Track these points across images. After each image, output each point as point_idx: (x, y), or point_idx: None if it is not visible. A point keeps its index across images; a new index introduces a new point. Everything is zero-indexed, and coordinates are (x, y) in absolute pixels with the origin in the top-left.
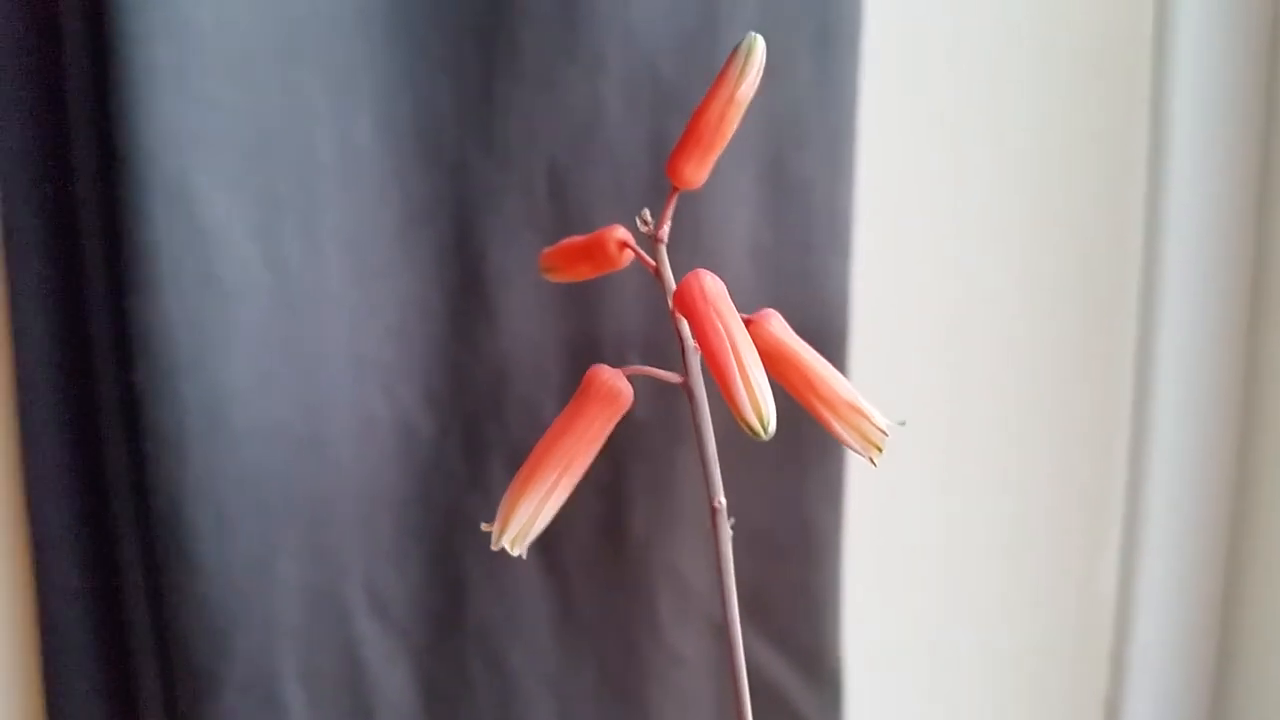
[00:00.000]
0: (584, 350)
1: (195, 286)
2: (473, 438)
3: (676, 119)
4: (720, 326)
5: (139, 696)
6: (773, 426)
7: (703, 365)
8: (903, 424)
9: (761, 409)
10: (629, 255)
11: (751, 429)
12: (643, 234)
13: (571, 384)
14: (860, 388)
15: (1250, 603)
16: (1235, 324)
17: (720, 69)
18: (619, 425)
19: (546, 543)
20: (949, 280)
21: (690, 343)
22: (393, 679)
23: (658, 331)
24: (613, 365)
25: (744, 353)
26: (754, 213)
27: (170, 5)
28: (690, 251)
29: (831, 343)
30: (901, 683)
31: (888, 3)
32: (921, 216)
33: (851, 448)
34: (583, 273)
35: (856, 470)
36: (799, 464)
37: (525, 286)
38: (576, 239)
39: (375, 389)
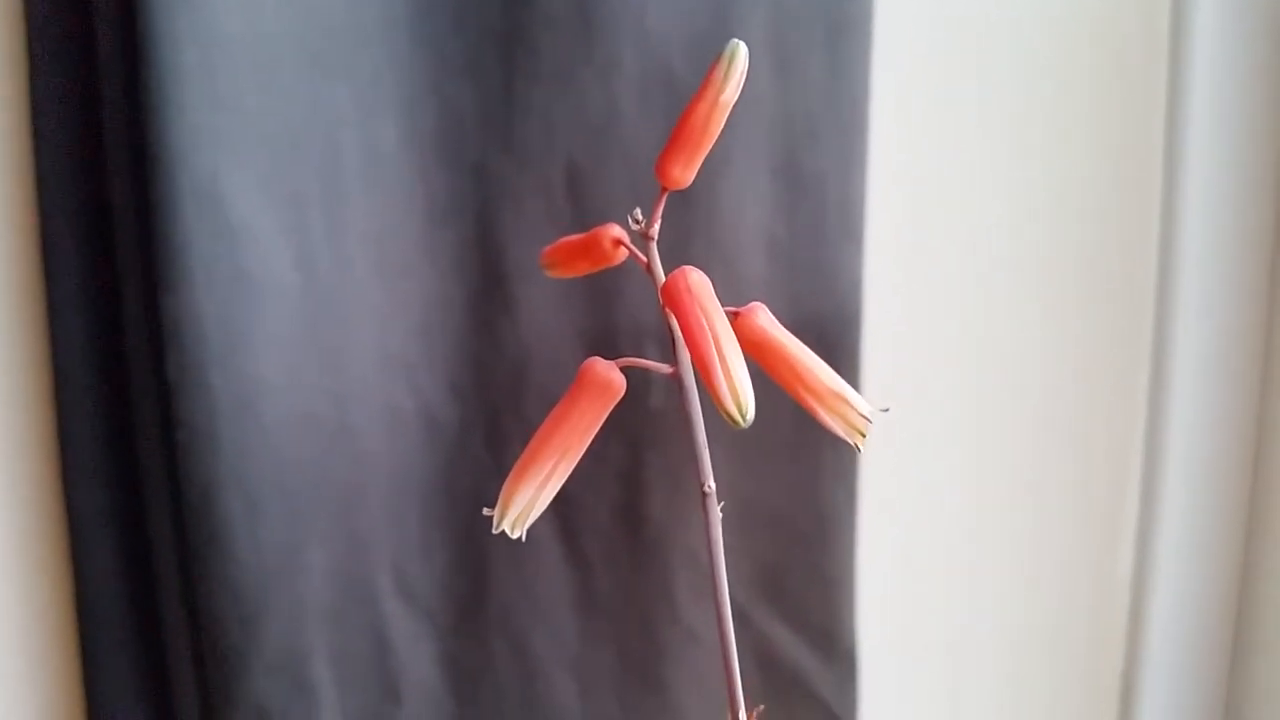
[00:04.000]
0: (600, 342)
1: (226, 283)
2: (494, 428)
3: None
4: (703, 320)
5: (173, 676)
6: (751, 414)
7: None
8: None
9: (740, 398)
10: (623, 252)
11: (731, 417)
12: (635, 232)
13: None
14: (873, 375)
15: (1266, 581)
16: (1254, 297)
17: (705, 75)
18: (637, 414)
19: (567, 528)
20: (961, 268)
21: (680, 335)
22: (418, 660)
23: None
24: (629, 355)
25: (725, 345)
26: (768, 206)
27: (199, 11)
28: (706, 245)
29: (845, 332)
30: (918, 663)
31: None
32: (933, 207)
33: (837, 434)
34: (581, 268)
35: (872, 456)
36: (813, 450)
37: (544, 282)
38: (574, 237)
39: (400, 382)
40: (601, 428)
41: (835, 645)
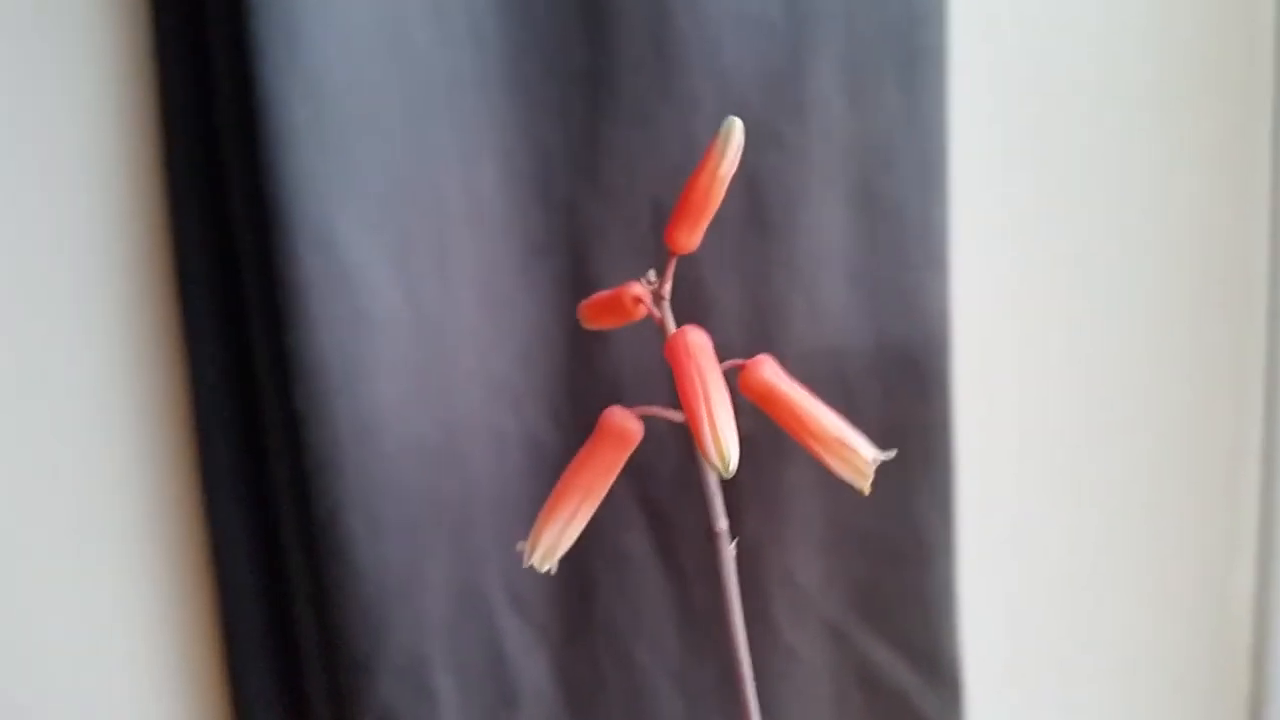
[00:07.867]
0: None
1: (343, 320)
2: None
3: (767, 153)
4: (696, 377)
5: (307, 683)
6: (734, 465)
7: None
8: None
9: (723, 448)
10: (643, 309)
11: (714, 466)
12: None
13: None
14: (967, 400)
15: None
16: None
17: (704, 151)
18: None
19: (666, 547)
20: (1054, 289)
21: None
22: (533, 670)
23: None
24: None
25: (714, 400)
26: (848, 236)
27: (307, 70)
28: (787, 279)
29: (934, 357)
30: (1030, 690)
31: (974, 25)
32: (1020, 231)
33: (844, 477)
34: (609, 322)
35: (977, 479)
36: (906, 471)
37: None
38: (603, 294)
39: (505, 408)
40: (687, 450)
41: (938, 666)
